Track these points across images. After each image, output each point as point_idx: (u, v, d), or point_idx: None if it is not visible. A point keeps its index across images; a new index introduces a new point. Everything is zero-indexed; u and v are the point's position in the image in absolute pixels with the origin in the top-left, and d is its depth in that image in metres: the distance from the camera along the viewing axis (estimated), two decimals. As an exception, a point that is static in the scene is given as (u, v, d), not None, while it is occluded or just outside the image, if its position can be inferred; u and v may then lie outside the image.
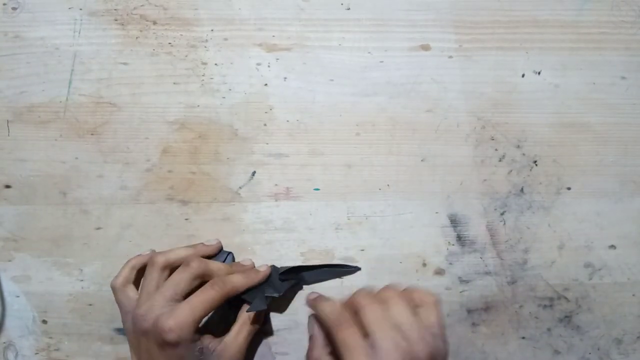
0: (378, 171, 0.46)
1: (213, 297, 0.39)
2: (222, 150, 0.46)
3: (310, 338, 0.41)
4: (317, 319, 0.40)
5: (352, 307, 0.38)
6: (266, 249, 0.45)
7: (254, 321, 0.42)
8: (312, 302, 0.40)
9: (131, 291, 0.41)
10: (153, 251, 0.43)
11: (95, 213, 0.45)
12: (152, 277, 0.40)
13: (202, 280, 0.40)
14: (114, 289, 0.41)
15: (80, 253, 0.45)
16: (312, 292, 0.42)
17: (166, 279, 0.40)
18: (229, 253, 0.45)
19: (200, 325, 0.39)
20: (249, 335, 0.41)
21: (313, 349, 0.40)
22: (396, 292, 0.39)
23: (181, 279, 0.39)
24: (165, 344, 0.37)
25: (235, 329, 0.41)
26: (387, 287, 0.40)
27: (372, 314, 0.36)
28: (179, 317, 0.37)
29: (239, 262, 0.44)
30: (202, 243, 0.44)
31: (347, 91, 0.46)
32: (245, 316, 0.42)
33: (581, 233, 0.46)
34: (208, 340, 0.40)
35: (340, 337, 0.36)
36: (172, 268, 0.41)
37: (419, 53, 0.46)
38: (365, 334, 0.36)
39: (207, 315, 0.39)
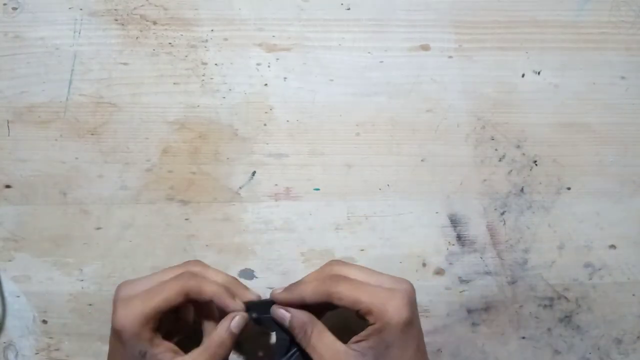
0: (378, 171, 0.46)
1: (172, 288, 0.36)
2: (222, 150, 0.46)
3: (292, 316, 0.38)
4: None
5: (324, 295, 0.37)
6: (266, 249, 0.45)
7: (230, 342, 0.38)
8: (282, 296, 0.39)
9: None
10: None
11: (95, 213, 0.45)
12: (170, 271, 0.38)
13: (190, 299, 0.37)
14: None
15: (80, 253, 0.45)
16: (275, 289, 0.40)
17: None
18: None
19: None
20: None
21: (303, 319, 0.38)
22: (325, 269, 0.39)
23: (168, 273, 0.38)
24: (112, 330, 0.36)
25: (197, 351, 0.37)
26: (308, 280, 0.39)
27: (352, 273, 0.38)
28: (130, 303, 0.35)
29: (242, 284, 0.41)
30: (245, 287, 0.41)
31: (347, 91, 0.46)
32: (220, 338, 0.37)
33: (581, 233, 0.46)
34: (160, 349, 0.36)
35: (341, 292, 0.36)
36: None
37: (418, 53, 0.46)
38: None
39: (163, 308, 0.36)
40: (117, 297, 0.37)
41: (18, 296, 0.45)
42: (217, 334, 0.37)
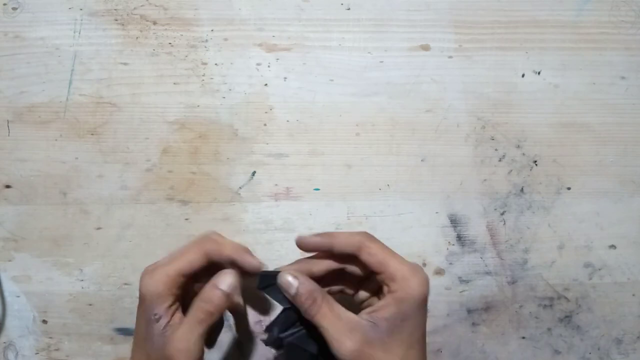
0: (378, 171, 0.46)
1: (194, 251, 0.36)
2: (222, 150, 0.46)
3: (300, 285, 0.36)
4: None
5: (353, 247, 0.37)
6: (266, 249, 0.45)
7: (216, 309, 0.36)
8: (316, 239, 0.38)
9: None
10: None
11: (95, 213, 0.45)
12: (188, 245, 0.38)
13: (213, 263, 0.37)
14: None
15: (80, 253, 0.45)
16: (302, 236, 0.38)
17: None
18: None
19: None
20: (204, 333, 0.36)
21: (311, 289, 0.36)
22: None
23: (188, 246, 0.38)
24: (139, 299, 0.36)
25: (189, 321, 0.36)
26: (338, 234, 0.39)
27: (378, 246, 0.37)
28: (154, 273, 0.35)
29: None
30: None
31: (347, 91, 0.46)
32: (205, 306, 0.36)
33: (581, 233, 0.46)
34: (174, 319, 0.36)
35: (373, 253, 0.36)
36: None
37: (418, 53, 0.46)
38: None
39: (186, 270, 0.36)
40: (144, 272, 0.37)
41: (18, 296, 0.45)
42: (205, 291, 0.36)
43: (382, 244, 0.37)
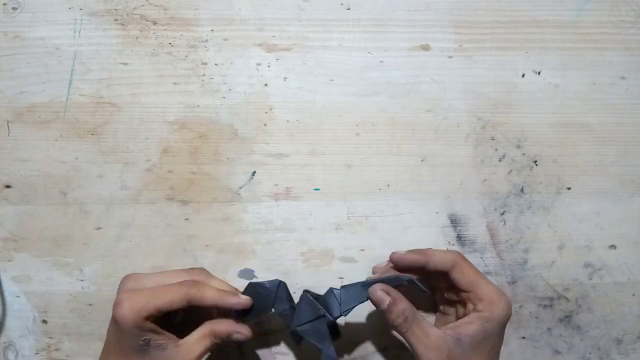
0: (378, 171, 0.46)
1: (176, 293, 0.37)
2: (222, 150, 0.46)
3: (392, 301, 0.38)
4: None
5: (448, 265, 0.40)
6: (266, 249, 0.45)
7: (221, 334, 0.39)
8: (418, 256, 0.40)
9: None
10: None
11: (95, 213, 0.45)
12: (178, 275, 0.39)
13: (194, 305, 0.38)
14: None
15: (80, 253, 0.45)
16: (395, 254, 0.41)
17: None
18: (280, 282, 0.41)
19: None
20: (209, 349, 0.38)
21: (403, 306, 0.38)
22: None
23: (177, 276, 0.39)
24: (114, 320, 0.37)
25: (196, 335, 0.38)
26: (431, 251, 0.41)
27: (470, 268, 0.40)
28: (134, 297, 0.36)
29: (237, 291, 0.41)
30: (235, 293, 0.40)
31: (347, 91, 0.46)
32: (210, 328, 0.39)
33: (581, 233, 0.46)
34: (163, 338, 0.37)
35: (467, 274, 0.39)
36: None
37: (418, 53, 0.46)
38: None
39: (165, 309, 0.37)
40: (123, 288, 0.38)
41: (18, 296, 0.45)
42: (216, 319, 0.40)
43: (473, 266, 0.40)
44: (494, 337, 0.38)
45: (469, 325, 0.38)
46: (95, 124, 0.46)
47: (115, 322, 0.37)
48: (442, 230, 0.46)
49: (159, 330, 0.37)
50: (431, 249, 0.41)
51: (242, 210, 0.46)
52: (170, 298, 0.37)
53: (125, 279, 0.39)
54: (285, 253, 0.45)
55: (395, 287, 0.39)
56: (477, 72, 0.46)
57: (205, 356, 0.39)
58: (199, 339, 0.38)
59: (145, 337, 0.37)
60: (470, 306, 0.39)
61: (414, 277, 0.40)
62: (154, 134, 0.46)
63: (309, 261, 0.46)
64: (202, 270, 0.41)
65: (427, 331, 0.38)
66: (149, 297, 0.37)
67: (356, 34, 0.46)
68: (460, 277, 0.39)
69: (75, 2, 0.46)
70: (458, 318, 0.40)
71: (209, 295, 0.38)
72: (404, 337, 0.38)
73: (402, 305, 0.38)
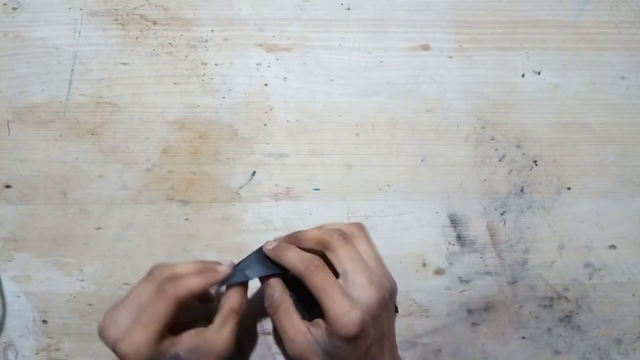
0: (378, 171, 0.46)
1: (165, 307, 0.35)
2: (222, 150, 0.46)
3: (267, 285, 0.39)
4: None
5: (322, 245, 0.38)
6: (266, 249, 0.45)
7: (239, 307, 0.38)
8: (274, 252, 0.39)
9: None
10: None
11: (95, 213, 0.45)
12: (144, 288, 0.37)
13: None
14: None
15: (80, 253, 0.45)
16: (269, 242, 0.40)
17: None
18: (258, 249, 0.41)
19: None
20: (235, 326, 0.38)
21: (273, 293, 0.38)
22: (344, 228, 0.39)
23: (143, 290, 0.36)
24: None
25: (218, 320, 0.38)
26: (329, 226, 0.40)
27: (346, 254, 0.37)
28: (134, 341, 0.34)
29: (211, 261, 0.40)
30: (215, 262, 0.40)
31: (347, 91, 0.46)
32: (229, 305, 0.38)
33: (581, 233, 0.46)
34: (186, 342, 0.36)
35: (315, 281, 0.36)
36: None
37: (418, 53, 0.46)
38: (336, 273, 0.37)
39: (165, 326, 0.35)
40: (111, 340, 0.36)
41: (18, 296, 0.45)
42: (227, 297, 0.39)
43: (353, 249, 0.38)
44: (343, 350, 0.36)
45: (323, 331, 0.36)
46: (95, 124, 0.46)
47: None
48: (442, 230, 0.46)
49: (176, 339, 0.36)
50: (317, 227, 0.40)
51: (242, 210, 0.46)
52: (162, 315, 0.35)
53: (105, 329, 0.36)
54: (285, 253, 0.45)
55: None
56: (477, 72, 0.46)
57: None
58: (221, 322, 0.37)
59: (174, 352, 0.36)
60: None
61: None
62: (154, 134, 0.46)
63: (309, 261, 0.45)
64: (161, 265, 0.38)
65: (294, 324, 0.37)
66: (144, 330, 0.35)
67: (356, 34, 0.46)
68: (336, 264, 0.37)
69: (75, 2, 0.46)
70: None
71: (195, 286, 0.37)
72: (273, 321, 0.39)
73: (277, 296, 0.38)
